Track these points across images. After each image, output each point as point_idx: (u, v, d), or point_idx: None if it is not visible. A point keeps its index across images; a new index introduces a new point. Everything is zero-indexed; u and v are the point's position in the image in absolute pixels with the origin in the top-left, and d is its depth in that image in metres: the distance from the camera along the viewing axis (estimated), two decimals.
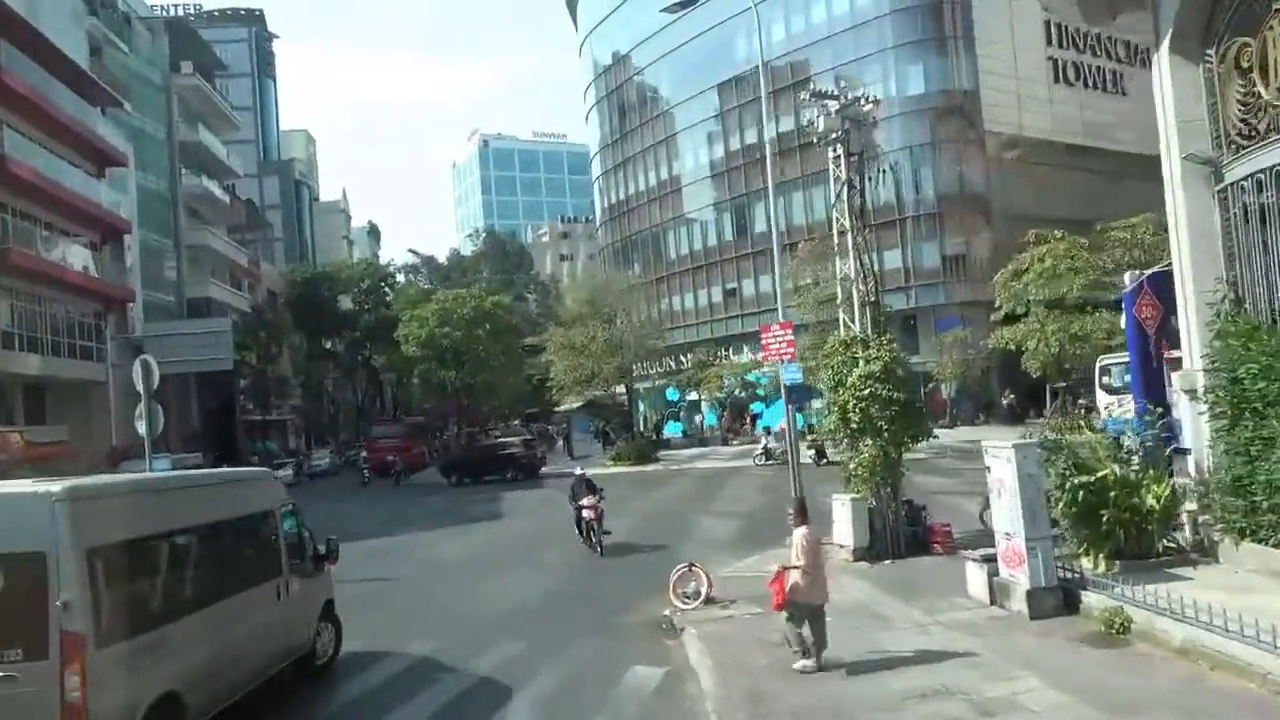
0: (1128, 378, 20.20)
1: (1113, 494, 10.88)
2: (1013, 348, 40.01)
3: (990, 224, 51.43)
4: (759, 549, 16.97)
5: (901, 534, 14.86)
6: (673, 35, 66.65)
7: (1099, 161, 54.60)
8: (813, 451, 35.44)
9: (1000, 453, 10.65)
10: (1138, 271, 14.09)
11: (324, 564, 11.00)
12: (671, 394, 62.15)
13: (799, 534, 9.44)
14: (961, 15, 52.30)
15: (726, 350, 58.97)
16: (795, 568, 9.22)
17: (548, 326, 49.71)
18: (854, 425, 14.68)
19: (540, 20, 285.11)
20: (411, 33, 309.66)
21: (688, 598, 12.60)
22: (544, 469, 40.48)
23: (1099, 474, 11.05)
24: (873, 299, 15.20)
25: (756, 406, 61.01)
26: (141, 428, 15.05)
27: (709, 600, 12.52)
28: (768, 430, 42.59)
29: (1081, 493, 10.86)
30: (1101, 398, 22.67)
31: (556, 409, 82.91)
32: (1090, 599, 10.11)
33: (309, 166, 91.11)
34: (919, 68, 52.65)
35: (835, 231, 15.48)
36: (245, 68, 78.05)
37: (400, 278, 79.57)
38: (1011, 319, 40.45)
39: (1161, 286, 13.71)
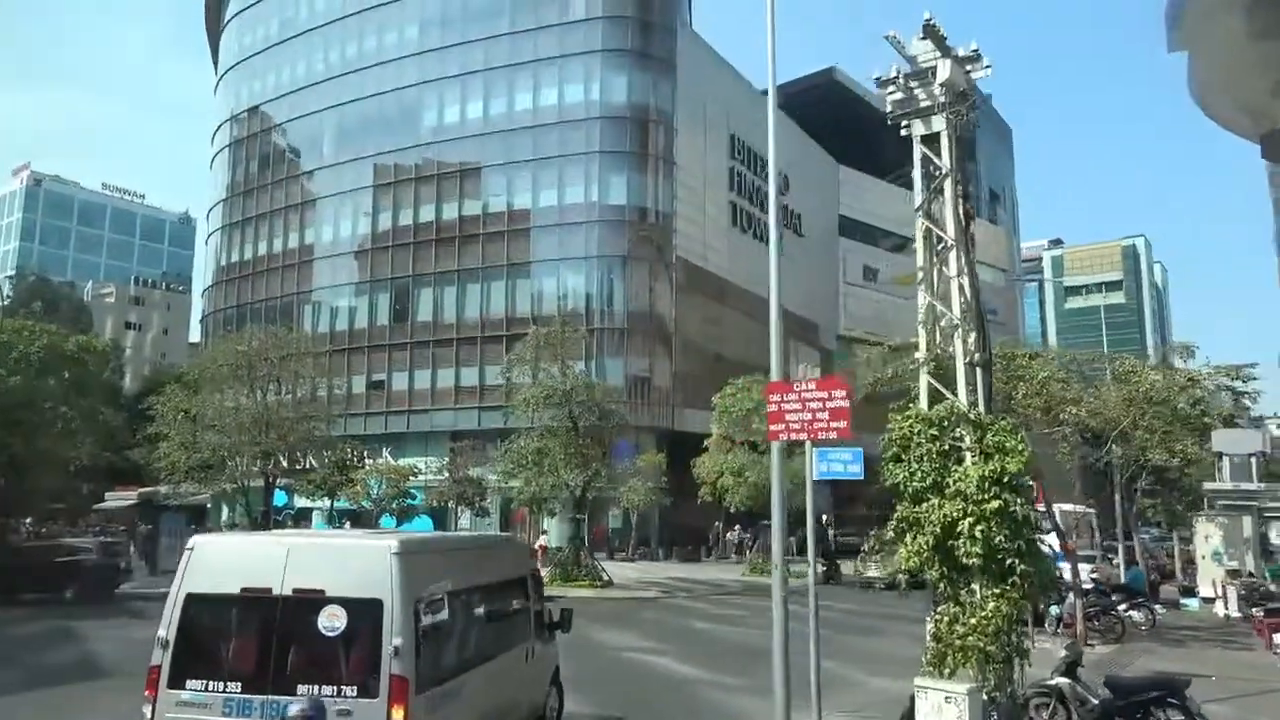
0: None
1: None
2: (709, 481, 39.05)
3: (671, 351, 49.65)
4: None
5: None
6: (329, 92, 58.52)
7: (761, 310, 56.25)
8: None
9: None
10: None
11: (555, 632, 11.06)
12: (280, 498, 50.84)
13: None
14: (665, 137, 51.40)
15: (363, 451, 49.39)
16: None
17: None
18: (973, 560, 8.61)
19: (128, 64, 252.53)
20: None
21: None
22: (123, 586, 28.26)
23: None
24: (986, 357, 9.45)
25: (387, 521, 51.68)
26: None
27: None
28: None
29: None
30: None
31: (97, 507, 65.53)
32: None
33: None
34: (622, 179, 50.34)
35: (920, 248, 9.69)
36: None
37: None
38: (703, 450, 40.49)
39: None
